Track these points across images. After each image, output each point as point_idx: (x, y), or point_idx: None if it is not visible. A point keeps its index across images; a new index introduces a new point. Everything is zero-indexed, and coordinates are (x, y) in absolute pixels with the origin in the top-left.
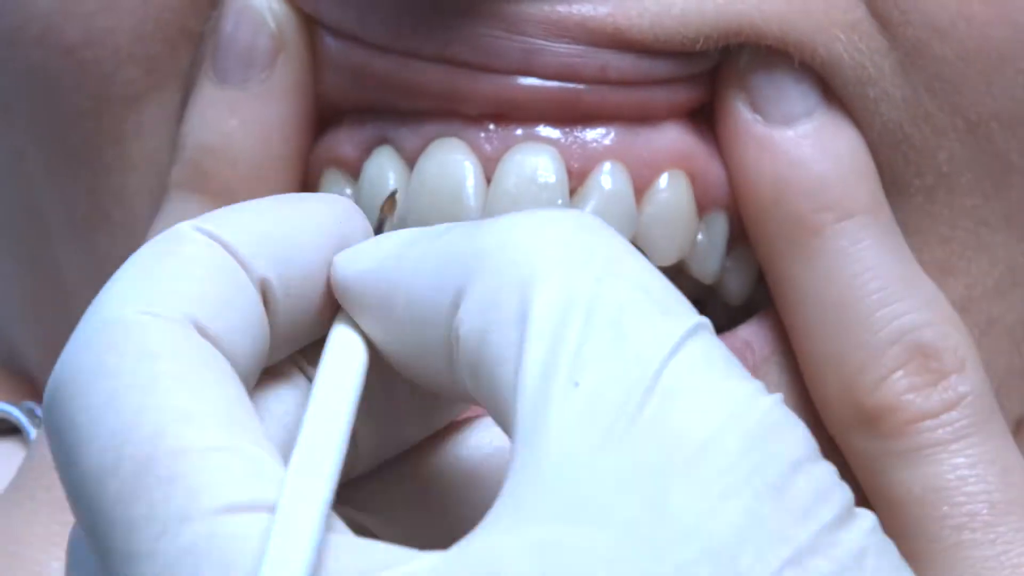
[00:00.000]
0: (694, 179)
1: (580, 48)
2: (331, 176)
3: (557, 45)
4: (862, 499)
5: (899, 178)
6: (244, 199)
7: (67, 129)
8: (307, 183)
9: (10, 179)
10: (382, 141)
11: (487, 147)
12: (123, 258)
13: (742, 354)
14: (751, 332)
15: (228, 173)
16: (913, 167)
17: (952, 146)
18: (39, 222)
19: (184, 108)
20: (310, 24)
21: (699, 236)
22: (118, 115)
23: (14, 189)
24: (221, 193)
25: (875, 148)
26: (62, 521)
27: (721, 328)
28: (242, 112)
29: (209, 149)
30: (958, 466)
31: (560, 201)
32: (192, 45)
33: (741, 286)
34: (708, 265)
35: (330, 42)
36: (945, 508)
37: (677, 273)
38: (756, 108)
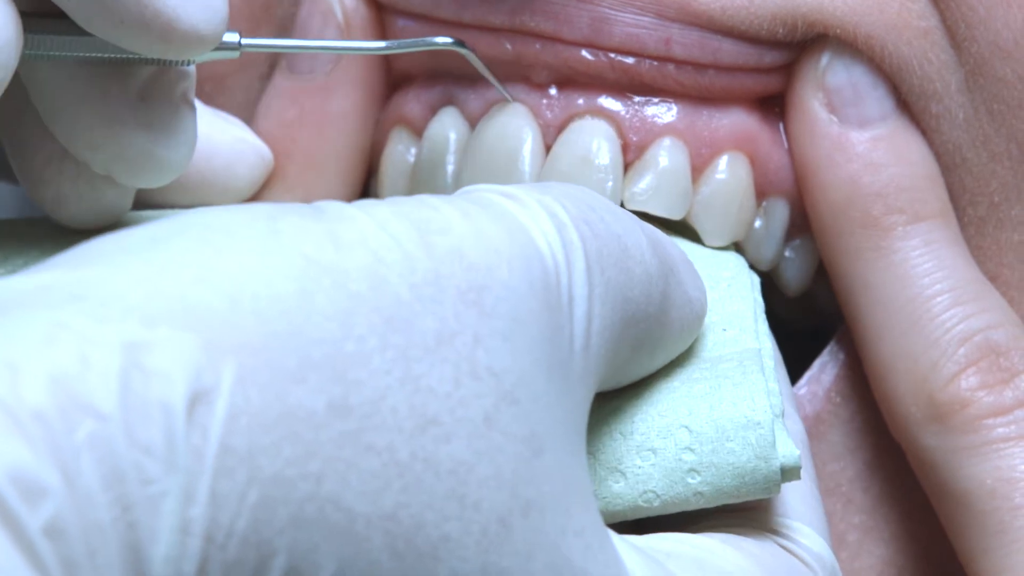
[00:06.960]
0: (755, 164)
1: (647, 19)
2: (397, 134)
3: (624, 15)
4: (931, 499)
5: (955, 206)
6: (299, 189)
7: None
8: (375, 143)
9: None
10: (448, 102)
11: (548, 114)
12: None
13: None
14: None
15: (285, 163)
16: (968, 195)
17: (1005, 174)
18: None
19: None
20: (380, 13)
21: (757, 222)
22: (207, 96)
23: None
24: (279, 180)
25: None
26: None
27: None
28: (303, 103)
29: (270, 137)
30: None
31: (611, 183)
32: (276, 28)
33: (799, 277)
34: (764, 251)
35: (402, 24)
36: (1018, 499)
37: None
38: (832, 108)
